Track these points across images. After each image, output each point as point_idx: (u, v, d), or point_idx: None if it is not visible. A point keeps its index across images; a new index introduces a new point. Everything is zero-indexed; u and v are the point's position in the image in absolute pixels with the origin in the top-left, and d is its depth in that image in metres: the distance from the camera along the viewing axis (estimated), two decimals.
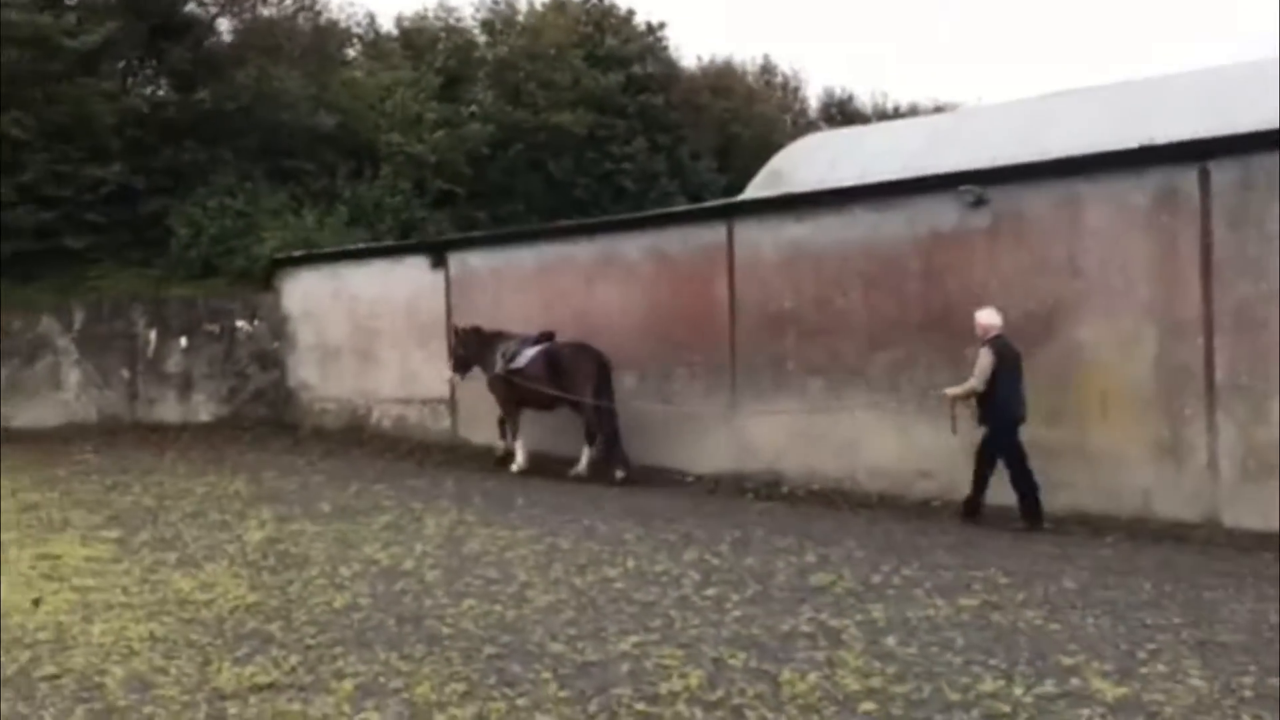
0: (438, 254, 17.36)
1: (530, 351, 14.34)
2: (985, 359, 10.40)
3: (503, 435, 15.01)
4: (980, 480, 10.55)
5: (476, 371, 15.13)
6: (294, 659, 6.63)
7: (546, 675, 6.23)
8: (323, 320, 18.63)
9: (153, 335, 19.27)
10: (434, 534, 10.38)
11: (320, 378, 19.01)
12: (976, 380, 10.39)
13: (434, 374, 16.91)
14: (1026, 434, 10.51)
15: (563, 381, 13.93)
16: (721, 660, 6.48)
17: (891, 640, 6.81)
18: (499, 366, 14.53)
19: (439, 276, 17.31)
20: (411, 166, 22.40)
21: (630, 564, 8.95)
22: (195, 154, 20.25)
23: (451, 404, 17.03)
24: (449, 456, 15.68)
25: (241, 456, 16.01)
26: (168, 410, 19.24)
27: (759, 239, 13.52)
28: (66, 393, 19.06)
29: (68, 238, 19.20)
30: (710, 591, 8.04)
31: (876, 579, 8.37)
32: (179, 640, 7.08)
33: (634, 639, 6.90)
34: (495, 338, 14.87)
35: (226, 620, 7.53)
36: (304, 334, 19.20)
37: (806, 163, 20.31)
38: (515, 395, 14.45)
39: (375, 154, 22.23)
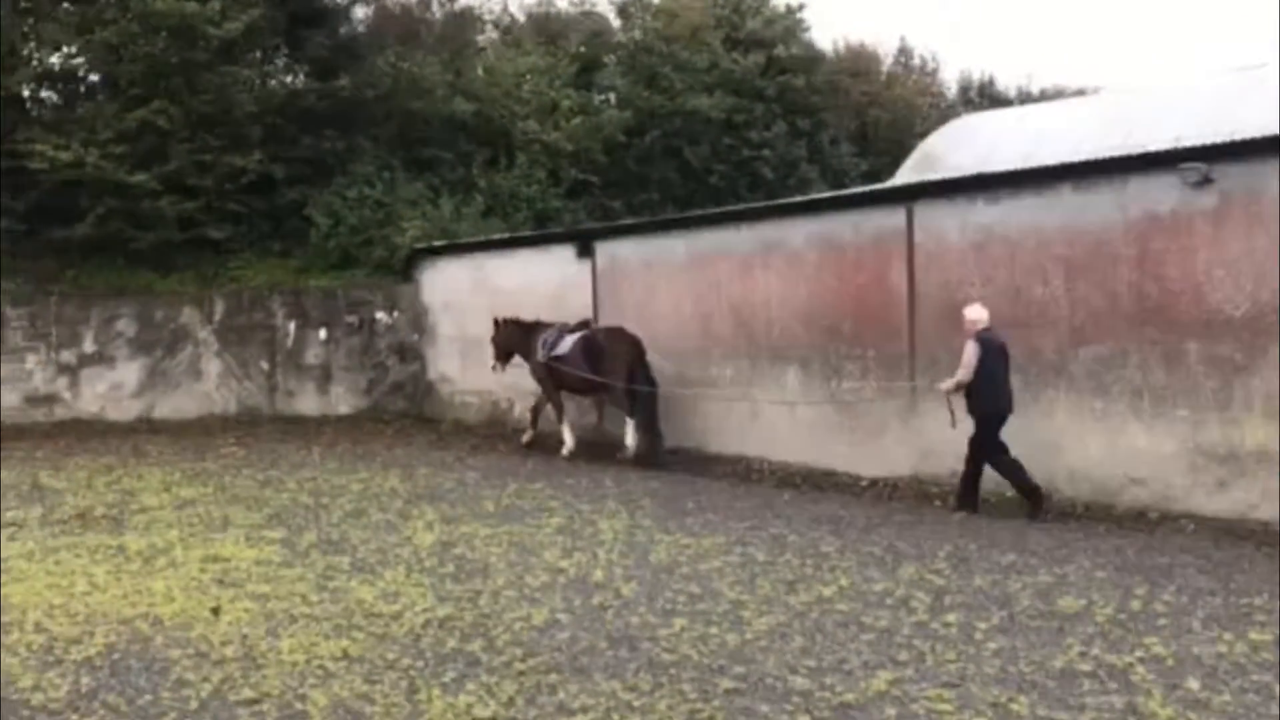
0: (584, 243, 16.74)
1: (569, 339, 14.88)
2: (970, 352, 10.68)
3: (534, 422, 15.68)
4: (974, 470, 10.82)
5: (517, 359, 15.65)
6: (509, 687, 5.95)
7: (804, 719, 5.41)
8: (463, 311, 18.17)
9: (292, 326, 19.22)
10: (611, 539, 9.72)
11: (461, 370, 18.56)
12: (963, 372, 10.68)
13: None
14: None
15: (600, 366, 14.45)
16: (1002, 706, 5.60)
17: (1194, 683, 5.83)
18: (540, 354, 15.05)
19: (585, 266, 16.66)
20: (547, 155, 21.94)
21: (844, 581, 8.11)
22: (334, 143, 20.01)
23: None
24: (597, 452, 15.07)
25: (389, 451, 15.64)
26: (306, 402, 19.14)
27: (943, 223, 12.50)
28: (207, 383, 19.09)
29: (209, 228, 19.16)
30: (950, 617, 7.14)
31: (1134, 605, 7.38)
32: (376, 660, 6.47)
33: (886, 675, 6.07)
34: (535, 327, 15.51)
35: (422, 637, 6.90)
36: (444, 325, 18.84)
37: (962, 145, 19.23)
38: (556, 380, 15.01)
39: (510, 142, 21.83)
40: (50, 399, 18.36)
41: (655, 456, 14.01)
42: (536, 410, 15.75)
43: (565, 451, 14.86)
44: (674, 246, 15.56)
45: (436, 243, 18.99)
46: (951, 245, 12.37)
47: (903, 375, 12.78)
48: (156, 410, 18.68)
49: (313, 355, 19.21)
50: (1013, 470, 10.64)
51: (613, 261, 16.34)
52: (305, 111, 20.02)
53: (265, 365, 19.20)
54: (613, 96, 23.99)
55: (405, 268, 19.43)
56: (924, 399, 12.51)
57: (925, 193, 12.93)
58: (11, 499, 11.89)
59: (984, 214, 12.16)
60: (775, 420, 13.86)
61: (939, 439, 12.30)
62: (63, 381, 18.47)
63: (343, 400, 19.15)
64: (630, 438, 14.36)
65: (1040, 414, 11.47)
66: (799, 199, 17.59)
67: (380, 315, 19.01)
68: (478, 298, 18.11)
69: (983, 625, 6.95)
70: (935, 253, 12.50)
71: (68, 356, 18.49)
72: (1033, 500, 10.54)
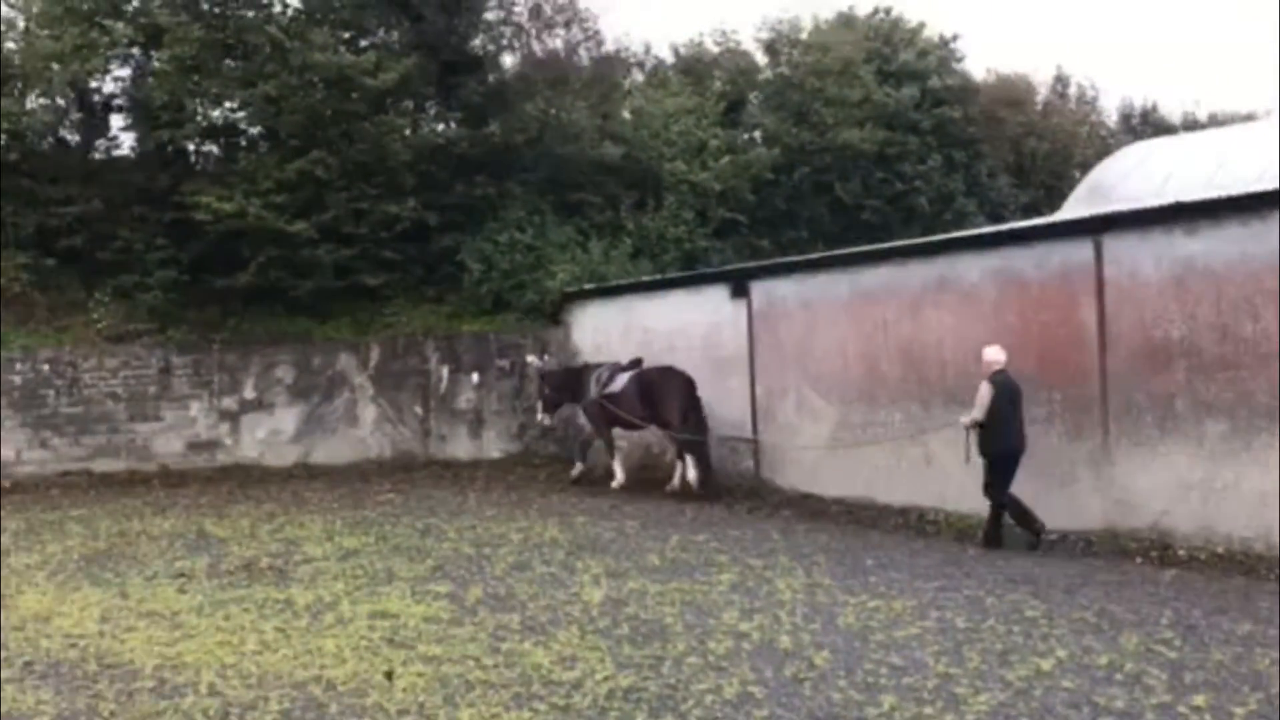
0: (739, 283, 16.28)
1: (623, 378, 15.63)
2: (984, 393, 11.18)
3: (582, 457, 16.44)
4: (996, 508, 11.28)
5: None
6: None
7: None
8: (614, 354, 17.84)
9: (445, 371, 19.27)
10: (791, 600, 9.11)
11: None
12: (977, 412, 11.18)
13: (735, 410, 16.04)
14: None
15: (653, 405, 15.17)
16: None
17: None
18: (594, 392, 15.80)
19: (740, 307, 16.22)
20: (695, 195, 21.68)
21: (1061, 652, 7.32)
22: (485, 189, 19.99)
23: (754, 442, 15.91)
24: (757, 503, 14.65)
25: (545, 498, 15.40)
26: (459, 446, 19.13)
27: (1136, 255, 11.57)
28: (362, 429, 19.19)
29: (365, 275, 19.25)
30: (1199, 700, 6.31)
31: None
32: None
33: None
34: (584, 370, 16.59)
35: (608, 711, 6.40)
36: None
37: (1134, 174, 18.20)
38: (608, 418, 15.73)
39: (659, 184, 21.61)
40: (212, 445, 18.62)
41: (710, 488, 14.90)
42: (585, 445, 16.63)
43: (615, 484, 15.68)
44: (836, 284, 14.96)
45: (586, 285, 18.96)
46: (1148, 280, 11.45)
47: (1093, 420, 11.86)
48: (313, 455, 18.85)
49: (465, 400, 19.23)
50: (1013, 504, 11.26)
51: (769, 301, 15.83)
52: (457, 159, 20.10)
53: (419, 410, 19.26)
54: (759, 134, 23.52)
55: (555, 311, 19.44)
56: (1117, 445, 11.59)
57: (1115, 224, 12.02)
58: (179, 548, 11.90)
59: (1183, 246, 11.22)
60: (950, 468, 13.03)
61: (1136, 488, 11.36)
62: (224, 427, 18.74)
63: (494, 445, 19.12)
64: (690, 472, 15.04)
65: (1252, 462, 10.44)
66: (974, 232, 16.79)
67: (531, 359, 18.82)
68: (628, 340, 17.86)
69: (1239, 710, 6.10)
70: (1129, 288, 11.59)
71: (229, 403, 18.76)
72: (1032, 529, 11.17)
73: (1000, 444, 11.20)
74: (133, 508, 14.77)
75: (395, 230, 19.32)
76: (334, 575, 10.40)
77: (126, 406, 18.21)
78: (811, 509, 14.05)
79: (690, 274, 18.71)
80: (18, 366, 17.65)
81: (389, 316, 19.56)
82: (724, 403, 16.25)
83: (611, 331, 18.38)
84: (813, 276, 15.42)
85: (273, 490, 16.38)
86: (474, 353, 19.24)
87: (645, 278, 18.95)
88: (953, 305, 13.31)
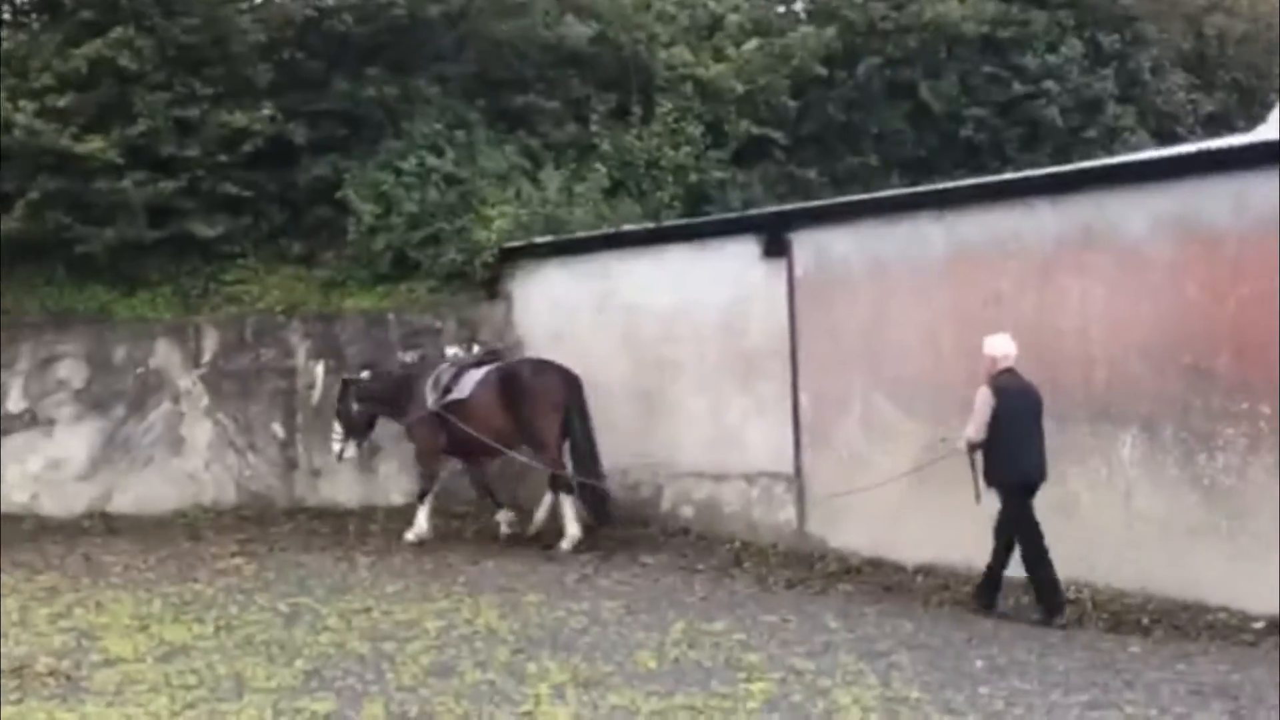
0: (774, 236, 16.34)
1: (473, 377, 16.34)
2: (983, 401, 12.12)
3: (490, 495, 17.32)
4: (996, 558, 12.37)
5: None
6: None
7: None
8: (582, 345, 17.87)
9: (319, 371, 19.04)
10: None
11: None
12: (971, 428, 12.14)
13: (766, 430, 16.27)
14: None
15: (522, 412, 16.05)
16: None
17: None
18: (430, 400, 16.38)
19: (775, 272, 16.31)
20: (704, 100, 21.71)
21: None
22: (381, 88, 20.04)
23: (796, 481, 16.06)
24: (801, 572, 14.80)
25: (474, 565, 15.49)
26: (342, 487, 19.06)
27: None
28: (192, 458, 19.16)
29: (195, 220, 19.22)
30: None
31: None
32: None
33: None
34: (411, 370, 17.43)
35: None
36: None
37: None
38: (445, 439, 16.51)
39: (648, 81, 21.65)
40: None
41: (603, 518, 16.24)
42: (482, 486, 17.46)
43: (412, 536, 16.44)
44: (923, 238, 14.98)
45: (538, 239, 18.91)
46: None
47: None
48: (116, 499, 18.81)
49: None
50: (1039, 565, 12.13)
51: (820, 263, 15.95)
52: (338, 42, 20.15)
53: (279, 430, 19.20)
54: (803, 5, 23.60)
55: (491, 278, 19.36)
56: None
57: None
58: None
59: None
60: (1100, 518, 13.07)
61: None
62: None
63: (396, 483, 18.95)
64: (568, 522, 15.96)
65: None
66: (1135, 158, 16.85)
67: (453, 351, 18.45)
68: (604, 324, 18.03)
69: None
70: None
71: None
72: (1050, 605, 12.04)
73: (1010, 469, 12.12)
74: None
75: (241, 152, 19.24)
76: (151, 686, 10.29)
77: None
78: (884, 581, 14.08)
79: (699, 221, 18.65)
80: None
81: (233, 285, 19.53)
82: (749, 420, 16.38)
83: (577, 309, 18.45)
84: (886, 226, 15.47)
85: (54, 553, 16.28)
86: (365, 341, 19.09)
87: (628, 227, 18.87)
88: (1103, 270, 13.34)
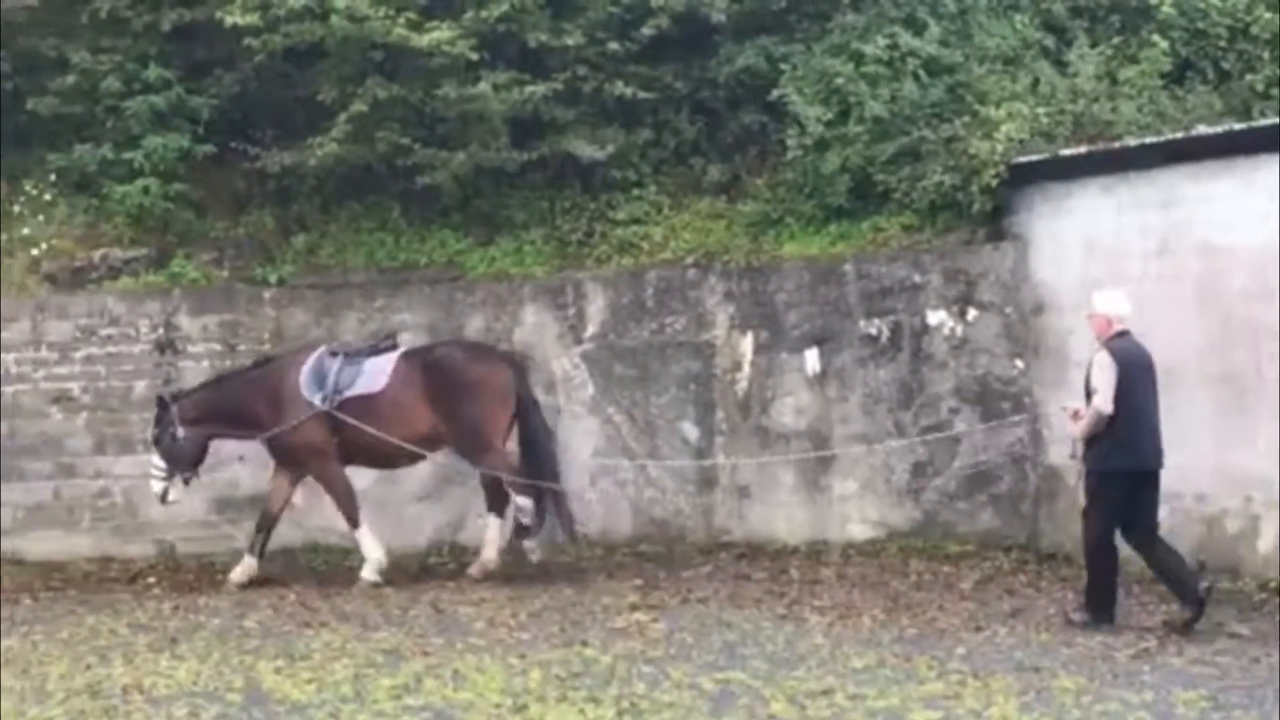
0: None
1: (379, 366, 16.21)
2: (1105, 366, 12.80)
3: (260, 546, 16.52)
4: (1099, 554, 13.35)
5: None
6: None
7: None
8: (1136, 307, 15.22)
9: (747, 346, 17.95)
10: None
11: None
12: (1102, 398, 12.68)
13: None
14: None
15: (456, 406, 15.96)
16: None
17: None
18: (317, 399, 16.15)
19: None
20: None
21: None
22: None
23: None
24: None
25: (977, 631, 13.68)
26: (780, 514, 17.88)
27: None
28: (571, 472, 17.83)
29: (575, 138, 18.22)
30: None
31: None
32: None
33: None
34: (249, 374, 16.81)
35: None
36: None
37: None
38: (346, 444, 16.22)
39: None
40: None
41: (572, 534, 16.35)
42: (267, 523, 16.61)
43: (370, 575, 16.03)
44: None
45: (1065, 150, 17.07)
46: None
47: None
48: (469, 527, 17.81)
49: (790, 408, 17.88)
50: (1168, 559, 12.98)
51: None
52: None
53: (691, 432, 18.08)
54: None
55: (993, 210, 17.54)
56: None
57: None
58: None
59: None
60: None
61: None
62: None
63: (857, 509, 17.59)
64: (491, 547, 16.04)
65: None
66: None
67: (937, 318, 17.41)
68: (1169, 274, 16.13)
69: None
70: None
71: None
72: (1192, 608, 12.65)
73: (1123, 454, 12.68)
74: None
75: (638, 37, 18.19)
76: None
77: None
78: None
79: None
80: None
81: (625, 227, 18.54)
82: None
83: (1127, 254, 16.46)
84: None
85: (392, 600, 15.59)
86: (809, 303, 17.72)
87: (1202, 130, 16.65)
88: None
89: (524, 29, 18.22)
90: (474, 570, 16.00)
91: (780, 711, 11.33)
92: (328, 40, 17.87)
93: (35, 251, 18.08)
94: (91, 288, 18.13)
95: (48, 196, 18.49)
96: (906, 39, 17.91)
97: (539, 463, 16.19)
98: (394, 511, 18.04)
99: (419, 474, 18.16)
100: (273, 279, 18.18)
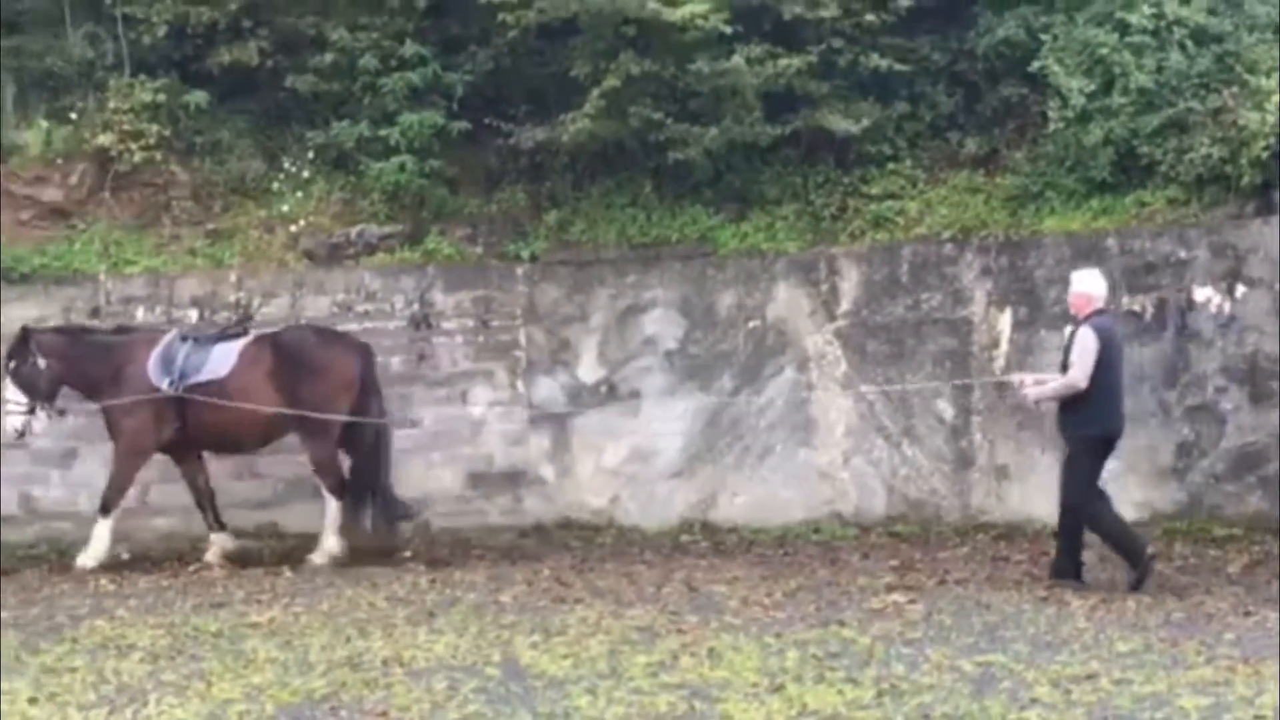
0: None
1: (229, 349, 16.42)
2: (1088, 342, 13.88)
3: (212, 508, 16.83)
4: (1073, 520, 14.45)
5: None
6: None
7: None
8: None
9: (1005, 323, 18.07)
10: None
11: None
12: (1078, 371, 13.86)
13: None
14: None
15: (301, 391, 16.23)
16: None
17: None
18: (163, 383, 16.31)
19: None
20: None
21: None
22: None
23: None
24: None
25: (1246, 616, 13.31)
26: (1040, 494, 17.31)
27: None
28: (825, 450, 18.40)
29: (829, 111, 18.11)
30: None
31: None
32: None
33: None
34: (110, 340, 16.94)
35: None
36: None
37: None
38: (173, 432, 16.40)
39: None
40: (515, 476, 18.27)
41: (389, 529, 16.51)
42: (203, 493, 16.87)
43: (85, 560, 16.16)
44: None
45: None
46: None
47: None
48: (721, 505, 18.22)
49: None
50: (1115, 526, 14.23)
51: None
52: None
53: (948, 411, 18.07)
54: None
55: (1262, 184, 17.26)
56: None
57: None
58: None
59: None
60: None
61: None
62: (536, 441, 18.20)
63: (1123, 488, 16.95)
64: (333, 535, 16.26)
65: None
66: None
67: (1203, 295, 17.26)
68: None
69: None
70: None
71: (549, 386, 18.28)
72: (1140, 567, 13.91)
73: (1097, 422, 13.95)
74: None
75: (895, 8, 18.16)
76: None
77: None
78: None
79: None
80: None
81: (880, 202, 18.57)
82: None
83: None
84: None
85: (646, 577, 15.86)
86: (1065, 282, 16.94)
87: None
88: None
89: (778, 1, 18.12)
90: (316, 558, 16.15)
91: (1044, 696, 11.27)
92: (580, 16, 17.99)
93: (294, 228, 18.49)
94: (348, 264, 18.43)
95: (306, 174, 18.96)
96: (1173, 7, 17.57)
97: (371, 451, 16.42)
98: (645, 488, 18.37)
99: (670, 452, 18.39)
100: (525, 255, 18.38)
